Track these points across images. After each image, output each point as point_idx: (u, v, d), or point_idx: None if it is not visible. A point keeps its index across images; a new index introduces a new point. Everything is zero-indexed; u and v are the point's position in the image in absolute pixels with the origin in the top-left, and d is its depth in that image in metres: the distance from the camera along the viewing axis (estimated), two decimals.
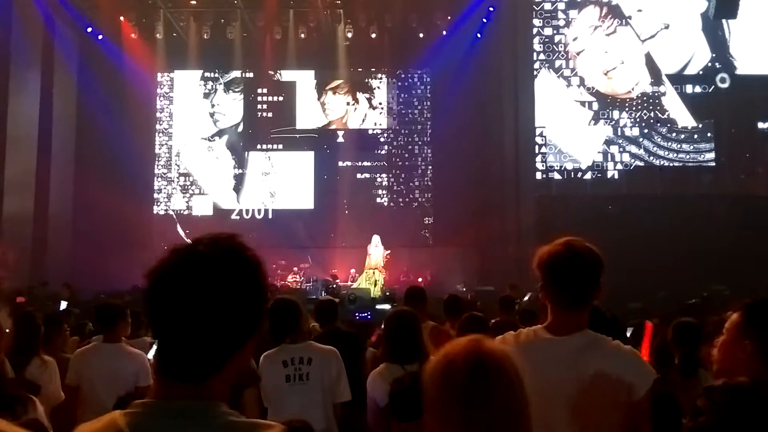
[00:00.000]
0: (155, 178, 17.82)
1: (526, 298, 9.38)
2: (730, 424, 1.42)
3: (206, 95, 18.05)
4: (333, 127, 18.02)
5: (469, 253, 16.36)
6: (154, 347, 2.39)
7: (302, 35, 16.77)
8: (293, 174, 17.69)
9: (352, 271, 16.09)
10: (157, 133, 17.93)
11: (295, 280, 15.51)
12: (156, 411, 1.13)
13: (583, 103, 15.16)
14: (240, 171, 17.88)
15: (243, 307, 1.16)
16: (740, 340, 1.87)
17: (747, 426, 1.41)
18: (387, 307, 8.72)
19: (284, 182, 17.71)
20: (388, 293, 12.86)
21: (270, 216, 17.58)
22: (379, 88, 18.07)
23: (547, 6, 15.30)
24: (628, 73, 15.18)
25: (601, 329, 2.09)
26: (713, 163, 15.21)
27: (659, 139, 15.12)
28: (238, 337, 1.17)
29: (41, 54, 14.99)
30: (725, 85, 14.88)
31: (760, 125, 15.33)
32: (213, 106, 18.05)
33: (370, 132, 18.03)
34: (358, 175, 17.92)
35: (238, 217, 17.53)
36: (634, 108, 15.16)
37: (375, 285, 14.92)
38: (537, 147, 15.11)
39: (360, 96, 18.03)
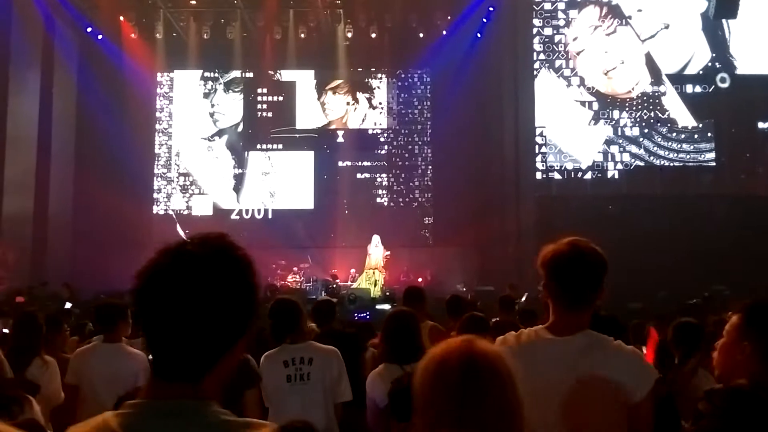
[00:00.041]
0: (155, 178, 17.82)
1: (522, 298, 9.38)
2: (732, 428, 1.42)
3: (206, 95, 18.05)
4: (333, 127, 18.02)
5: (469, 253, 16.36)
6: None
7: (302, 35, 16.77)
8: (293, 174, 17.69)
9: (352, 271, 16.08)
10: (156, 133, 17.93)
11: (295, 280, 15.50)
12: (148, 411, 1.13)
13: (583, 103, 15.16)
14: (240, 171, 17.88)
15: (233, 306, 1.16)
16: (739, 341, 1.87)
17: (749, 430, 1.42)
18: (387, 307, 8.73)
19: (284, 182, 17.71)
20: (388, 293, 12.87)
21: (270, 216, 17.58)
22: (379, 88, 18.07)
23: (547, 6, 15.30)
24: (628, 72, 15.19)
25: (598, 328, 2.08)
26: (713, 163, 15.22)
27: (659, 139, 15.12)
28: (229, 336, 1.17)
29: (41, 54, 14.99)
30: (725, 85, 14.89)
31: (761, 125, 15.34)
32: (213, 105, 18.05)
33: (370, 132, 18.03)
34: (358, 175, 17.92)
35: (237, 217, 17.53)
36: (634, 108, 15.17)
37: (375, 285, 14.92)
38: (537, 147, 15.11)
39: (360, 96, 18.03)
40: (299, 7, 16.50)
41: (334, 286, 13.88)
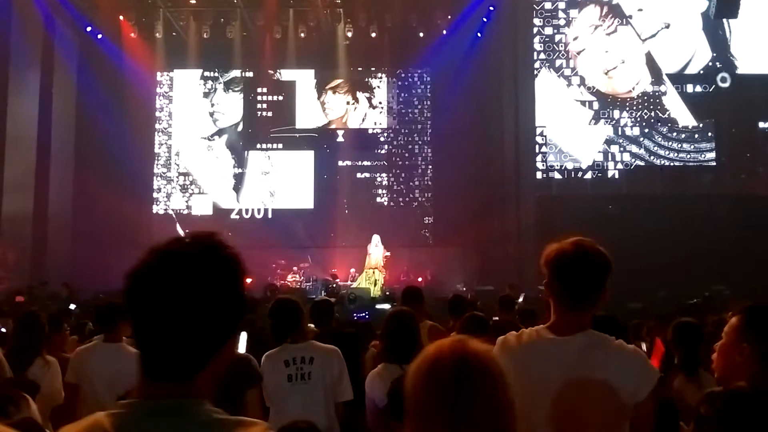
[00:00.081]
0: (155, 178, 17.81)
1: (520, 299, 9.36)
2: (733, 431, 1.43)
3: (206, 94, 18.04)
4: (333, 126, 18.01)
5: (469, 253, 16.36)
6: None
7: (302, 34, 16.77)
8: (293, 173, 17.69)
9: (352, 270, 16.08)
10: (156, 133, 17.92)
11: (294, 280, 15.50)
12: (140, 410, 1.14)
13: (583, 103, 15.16)
14: (240, 170, 17.88)
15: (222, 305, 1.16)
16: (738, 343, 1.88)
17: None
18: (387, 306, 8.73)
19: (284, 182, 17.70)
20: (388, 293, 12.87)
21: (270, 215, 17.57)
22: (379, 87, 18.06)
23: (548, 5, 15.30)
24: (629, 72, 15.19)
25: (597, 328, 2.07)
26: (714, 163, 15.22)
27: (660, 139, 15.12)
28: (219, 335, 1.17)
29: (41, 54, 14.99)
30: (726, 85, 14.89)
31: (761, 125, 15.34)
32: (213, 105, 18.04)
33: (370, 131, 18.03)
34: (358, 175, 17.92)
35: (237, 217, 17.53)
36: (634, 107, 15.17)
37: (375, 285, 14.91)
38: (537, 147, 15.11)
39: (360, 95, 18.03)
40: (299, 6, 16.50)
41: (334, 285, 13.88)
